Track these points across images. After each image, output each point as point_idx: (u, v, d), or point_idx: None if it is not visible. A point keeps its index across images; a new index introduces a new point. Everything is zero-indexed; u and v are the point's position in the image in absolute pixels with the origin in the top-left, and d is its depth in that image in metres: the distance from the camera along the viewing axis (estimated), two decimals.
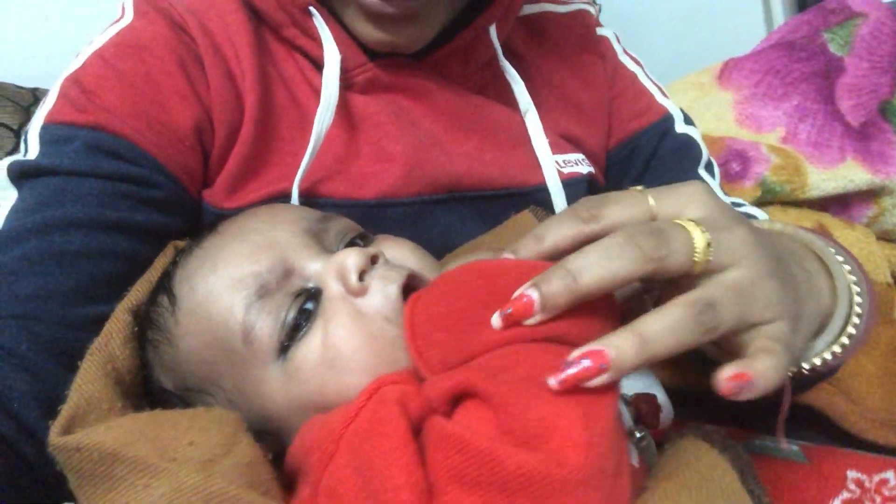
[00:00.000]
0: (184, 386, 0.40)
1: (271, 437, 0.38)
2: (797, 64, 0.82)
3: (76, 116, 0.45)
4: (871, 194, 0.77)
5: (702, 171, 0.63)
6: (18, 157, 0.45)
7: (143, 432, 0.33)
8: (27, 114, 0.89)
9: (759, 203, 0.77)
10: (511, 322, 0.30)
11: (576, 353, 0.28)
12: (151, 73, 0.47)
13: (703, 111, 0.82)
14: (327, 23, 0.51)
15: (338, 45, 0.51)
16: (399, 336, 0.34)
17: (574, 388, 0.28)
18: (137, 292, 0.42)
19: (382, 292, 0.36)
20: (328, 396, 0.35)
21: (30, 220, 0.42)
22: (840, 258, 0.39)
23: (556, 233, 0.32)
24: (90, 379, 0.36)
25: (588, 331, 0.30)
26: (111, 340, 0.39)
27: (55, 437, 0.32)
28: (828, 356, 0.36)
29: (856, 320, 0.37)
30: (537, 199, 0.56)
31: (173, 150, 0.47)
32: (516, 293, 0.30)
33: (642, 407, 0.38)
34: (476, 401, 0.29)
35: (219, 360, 0.38)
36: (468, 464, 0.27)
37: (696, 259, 0.30)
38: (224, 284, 0.38)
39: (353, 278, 0.36)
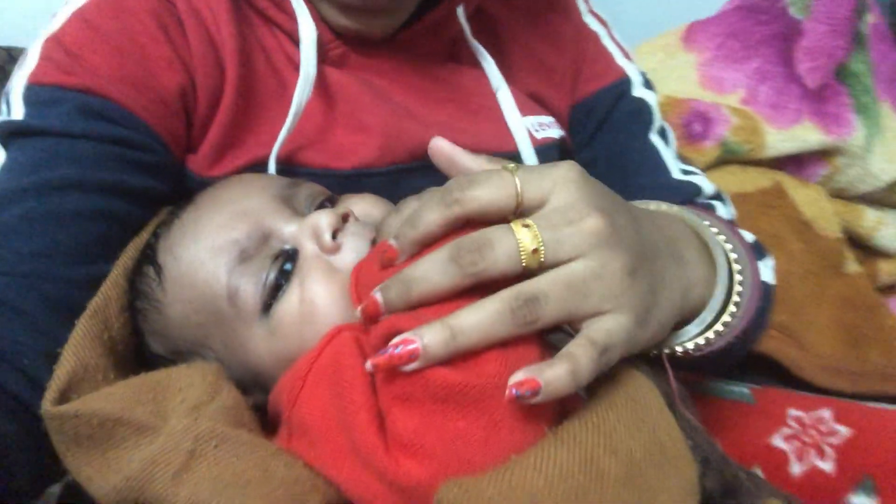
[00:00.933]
0: (175, 349, 0.42)
1: (259, 390, 0.40)
2: (758, 27, 0.84)
3: (63, 78, 0.44)
4: (824, 154, 0.80)
5: (653, 136, 0.64)
6: (3, 116, 0.45)
7: (138, 397, 0.35)
8: (3, 72, 0.87)
9: (720, 162, 0.80)
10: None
11: (395, 339, 0.30)
12: (135, 36, 0.47)
13: (669, 73, 0.84)
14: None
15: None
16: None
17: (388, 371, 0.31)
18: (130, 256, 0.43)
19: (354, 250, 0.40)
20: (307, 348, 0.37)
21: (26, 180, 0.42)
22: (729, 245, 0.41)
23: (426, 219, 0.33)
24: (87, 345, 0.38)
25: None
26: (109, 305, 0.40)
27: (50, 407, 0.34)
28: (700, 341, 0.38)
29: (733, 308, 0.38)
30: None
31: (160, 115, 0.47)
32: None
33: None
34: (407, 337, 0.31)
35: (207, 323, 0.40)
36: (403, 384, 0.31)
37: (524, 263, 0.31)
38: (206, 253, 0.40)
39: (327, 237, 0.39)
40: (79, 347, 0.37)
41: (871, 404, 0.53)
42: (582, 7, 0.67)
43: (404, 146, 0.53)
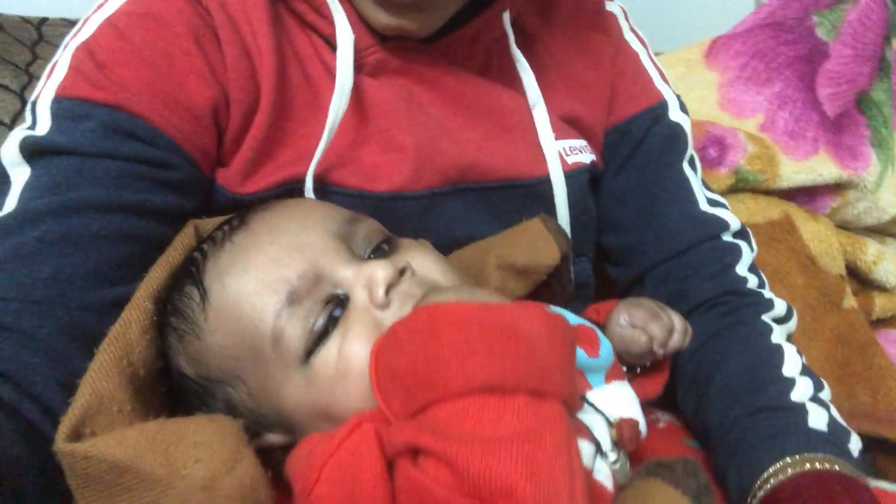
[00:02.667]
0: (205, 376, 0.40)
1: (282, 431, 0.39)
2: (783, 47, 0.81)
3: (91, 93, 0.43)
4: (837, 187, 0.80)
5: (685, 167, 0.63)
6: (28, 130, 0.43)
7: (152, 446, 0.33)
8: (32, 54, 0.81)
9: (732, 190, 0.79)
10: None
11: None
12: (167, 48, 0.45)
13: (688, 91, 0.81)
14: (339, 1, 0.49)
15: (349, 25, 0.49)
16: None
17: (515, 435, 0.29)
18: (157, 276, 0.42)
19: (401, 309, 0.38)
20: (336, 406, 0.37)
21: (46, 200, 0.41)
22: None
23: None
24: (104, 375, 0.36)
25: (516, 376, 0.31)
26: (129, 329, 0.39)
27: (62, 444, 0.33)
28: None
29: None
30: (540, 190, 0.56)
31: (190, 130, 0.46)
32: None
33: (624, 431, 0.41)
34: (432, 456, 0.30)
35: (244, 358, 0.39)
36: None
37: None
38: (255, 287, 0.38)
39: (381, 292, 0.38)
40: (96, 378, 0.36)
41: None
42: (623, 24, 0.64)
43: (438, 168, 0.52)
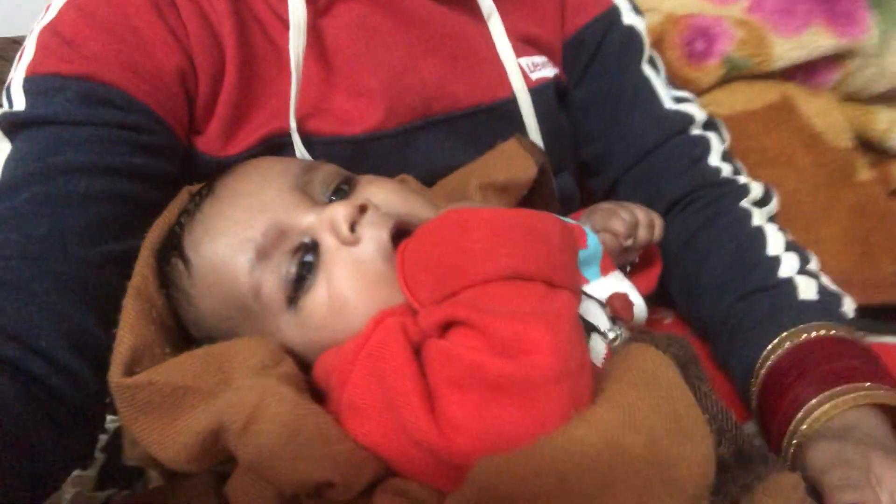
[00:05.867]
0: (210, 337, 0.43)
1: (295, 360, 0.41)
2: None
3: (62, 67, 0.44)
4: (836, 58, 0.77)
5: (644, 66, 0.63)
6: (4, 109, 0.45)
7: (207, 367, 0.37)
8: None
9: (725, 80, 0.77)
10: None
11: None
12: (129, 20, 0.47)
13: None
14: None
15: None
16: (394, 277, 0.39)
17: (540, 310, 0.33)
18: (157, 235, 0.44)
19: (374, 240, 0.40)
20: (339, 337, 0.39)
21: (31, 167, 0.42)
22: None
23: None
24: (139, 322, 0.39)
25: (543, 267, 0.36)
26: (148, 283, 0.42)
27: (120, 378, 0.36)
28: None
29: None
30: (507, 110, 0.57)
31: (162, 97, 0.47)
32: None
33: (616, 304, 0.44)
34: (463, 326, 0.34)
35: (236, 316, 0.42)
36: (461, 372, 0.33)
37: None
38: (226, 251, 0.41)
39: (345, 230, 0.40)
40: (133, 324, 0.39)
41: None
42: None
43: (407, 105, 0.53)
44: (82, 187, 0.42)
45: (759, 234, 0.55)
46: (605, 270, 0.48)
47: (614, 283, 0.47)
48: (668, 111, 0.61)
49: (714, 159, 0.60)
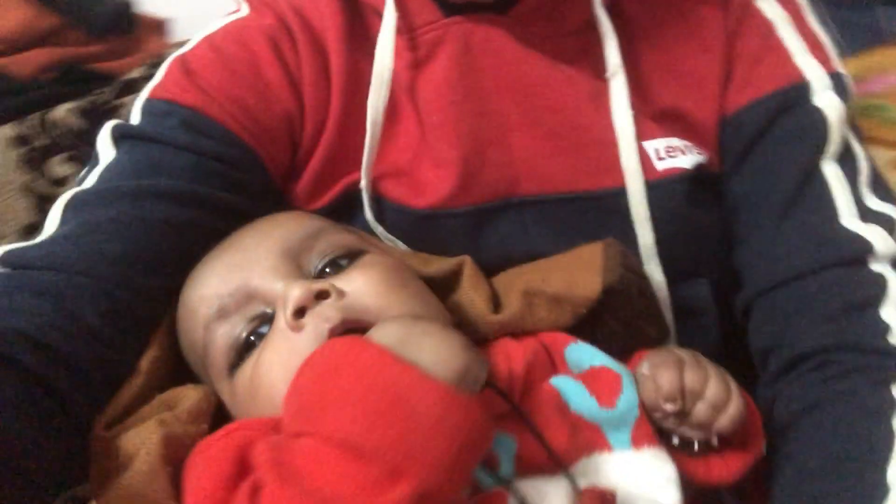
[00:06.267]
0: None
1: None
2: None
3: (177, 94, 0.47)
4: None
5: (826, 165, 0.47)
6: (123, 121, 0.48)
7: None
8: None
9: None
10: None
11: None
12: (253, 61, 0.49)
13: None
14: None
15: (403, 6, 0.48)
16: None
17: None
18: None
19: (314, 333, 0.37)
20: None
21: (124, 184, 0.44)
22: None
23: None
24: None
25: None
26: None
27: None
28: None
29: None
30: (616, 203, 0.47)
31: (266, 139, 0.48)
32: None
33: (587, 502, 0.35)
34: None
35: (197, 363, 0.42)
36: None
37: None
38: (196, 300, 0.41)
39: (288, 313, 0.37)
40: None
41: None
42: None
43: (484, 184, 0.48)
44: (166, 215, 0.43)
45: (887, 442, 0.40)
46: (638, 441, 0.38)
47: (641, 466, 0.37)
48: (841, 229, 0.46)
49: (889, 312, 0.44)
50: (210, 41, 0.50)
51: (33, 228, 0.74)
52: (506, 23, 0.49)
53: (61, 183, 0.76)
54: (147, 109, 0.47)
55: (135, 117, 0.48)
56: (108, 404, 0.38)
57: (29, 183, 0.75)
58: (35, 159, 0.76)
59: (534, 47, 0.49)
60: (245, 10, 0.52)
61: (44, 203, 0.75)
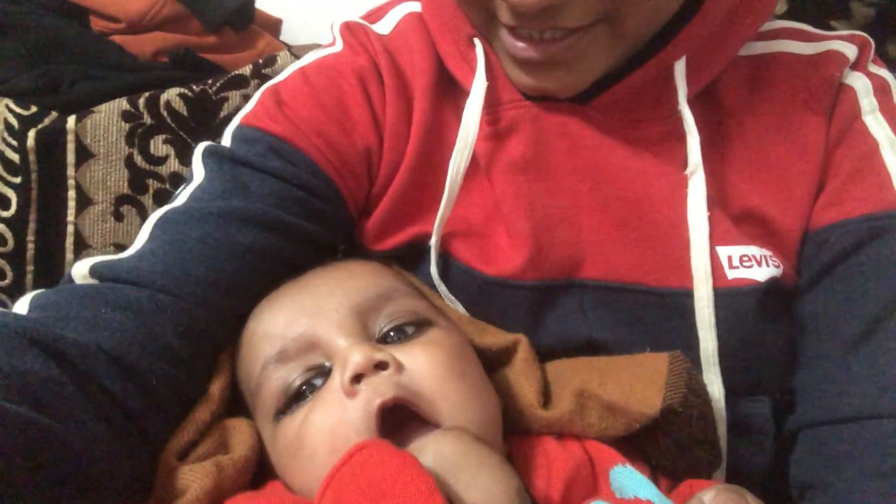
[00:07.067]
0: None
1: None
2: None
3: (266, 124, 0.48)
4: None
5: None
6: (213, 143, 0.50)
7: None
8: None
9: None
10: None
11: None
12: (341, 96, 0.50)
13: None
14: (487, 56, 0.48)
15: (493, 79, 0.48)
16: None
17: None
18: None
19: (365, 403, 0.36)
20: (286, 477, 0.38)
21: (213, 205, 0.45)
22: None
23: None
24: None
25: None
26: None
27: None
28: None
29: None
30: (679, 305, 0.45)
31: (346, 173, 0.49)
32: None
33: None
34: None
35: (247, 393, 0.42)
36: None
37: None
38: (259, 334, 0.41)
39: (347, 377, 0.36)
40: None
41: None
42: (865, 104, 0.47)
43: (553, 260, 0.47)
44: (249, 239, 0.44)
45: None
46: None
47: None
48: None
49: None
50: (303, 73, 0.51)
51: (124, 200, 0.79)
52: (585, 112, 0.48)
53: (158, 162, 0.80)
54: (237, 135, 0.49)
55: (226, 140, 0.49)
56: (181, 429, 0.39)
57: (131, 156, 0.79)
58: (140, 135, 0.79)
59: (611, 135, 0.48)
60: (339, 46, 0.53)
61: (139, 178, 0.79)
